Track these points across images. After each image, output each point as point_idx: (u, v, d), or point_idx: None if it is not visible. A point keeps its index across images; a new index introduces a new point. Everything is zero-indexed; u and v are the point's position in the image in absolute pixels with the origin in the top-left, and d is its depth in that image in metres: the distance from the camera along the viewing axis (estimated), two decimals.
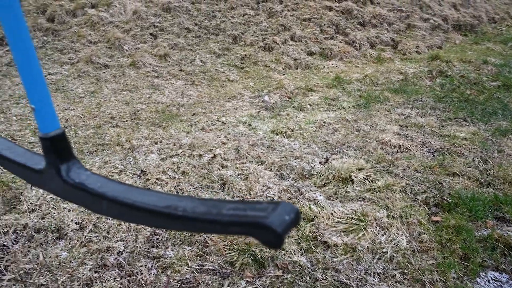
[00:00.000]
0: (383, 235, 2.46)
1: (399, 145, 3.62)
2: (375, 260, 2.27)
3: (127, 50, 6.74)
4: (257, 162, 3.34)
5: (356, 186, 2.96)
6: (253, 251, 2.25)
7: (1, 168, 3.10)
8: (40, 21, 7.22)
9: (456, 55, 6.97)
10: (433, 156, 3.49)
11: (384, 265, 2.24)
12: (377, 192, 2.88)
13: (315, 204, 2.75)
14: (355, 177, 3.03)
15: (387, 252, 2.32)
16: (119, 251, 2.25)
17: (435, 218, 2.66)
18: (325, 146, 3.68)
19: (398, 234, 2.47)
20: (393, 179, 3.04)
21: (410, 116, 4.38)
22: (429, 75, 5.83)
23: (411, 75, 5.92)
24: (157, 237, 2.39)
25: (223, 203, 0.49)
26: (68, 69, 6.08)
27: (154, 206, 0.54)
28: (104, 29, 7.16)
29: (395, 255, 2.31)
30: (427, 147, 3.65)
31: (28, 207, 2.60)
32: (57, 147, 0.63)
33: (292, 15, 7.81)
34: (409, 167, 3.25)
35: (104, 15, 7.44)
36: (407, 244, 2.39)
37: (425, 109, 4.61)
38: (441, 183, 3.01)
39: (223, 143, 3.69)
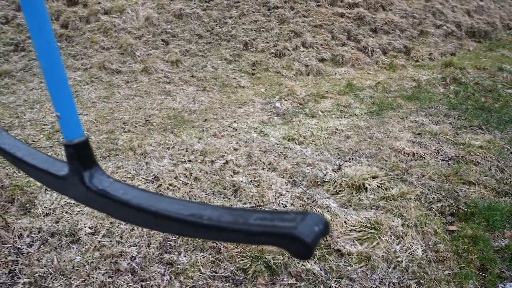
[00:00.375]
0: (398, 244, 2.42)
1: (413, 153, 3.57)
2: (390, 270, 2.23)
3: (139, 56, 6.80)
4: (269, 168, 3.32)
5: (370, 194, 2.93)
6: (266, 258, 2.23)
7: (17, 172, 3.13)
8: (54, 27, 7.32)
9: (470, 62, 6.89)
10: (448, 164, 3.44)
11: (399, 275, 2.20)
12: (391, 200, 2.84)
13: (328, 211, 2.72)
14: (369, 185, 3.00)
15: (402, 261, 2.29)
16: (132, 256, 2.25)
17: (451, 228, 2.61)
18: (338, 153, 3.66)
19: (413, 243, 2.43)
20: (408, 187, 3.00)
21: (424, 124, 4.33)
22: (442, 82, 5.77)
23: (424, 82, 5.87)
24: (169, 242, 2.39)
25: (249, 212, 0.49)
26: (81, 74, 6.16)
27: (178, 214, 0.53)
28: (117, 35, 7.24)
29: (410, 264, 2.27)
30: (441, 155, 3.60)
31: (43, 211, 2.62)
32: (81, 154, 0.64)
33: (303, 22, 7.82)
34: (423, 175, 3.21)
35: (117, 22, 7.52)
36: (422, 254, 2.35)
37: (439, 117, 4.55)
38: (457, 192, 2.96)
39: (235, 149, 3.68)
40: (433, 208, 2.79)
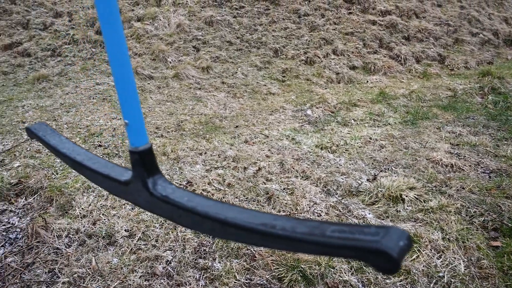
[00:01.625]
0: (438, 259, 2.33)
1: (451, 164, 3.45)
2: (431, 285, 2.15)
3: (170, 62, 6.92)
4: (302, 177, 3.28)
5: (407, 206, 2.84)
6: (302, 267, 2.19)
7: (55, 173, 3.21)
8: (89, 33, 7.55)
9: (509, 71, 6.65)
10: (489, 177, 3.30)
11: None
12: (430, 213, 2.75)
13: (364, 222, 2.66)
14: (406, 196, 2.91)
15: (443, 276, 2.20)
16: (168, 260, 2.25)
17: (494, 243, 2.50)
18: (372, 163, 3.58)
19: (455, 258, 2.33)
20: (447, 200, 2.89)
21: (462, 134, 4.19)
22: (480, 91, 5.58)
23: (461, 91, 5.69)
24: (204, 248, 2.38)
25: (324, 224, 0.47)
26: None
27: (249, 223, 0.52)
28: (149, 41, 7.39)
29: (452, 280, 2.18)
30: (482, 167, 3.46)
31: (80, 213, 2.67)
32: (145, 161, 0.64)
33: (334, 29, 7.76)
34: (463, 188, 3.09)
35: (149, 28, 7.69)
36: (465, 269, 2.25)
37: (477, 127, 4.40)
38: (500, 206, 2.84)
39: (267, 156, 3.66)
40: (474, 222, 2.68)
